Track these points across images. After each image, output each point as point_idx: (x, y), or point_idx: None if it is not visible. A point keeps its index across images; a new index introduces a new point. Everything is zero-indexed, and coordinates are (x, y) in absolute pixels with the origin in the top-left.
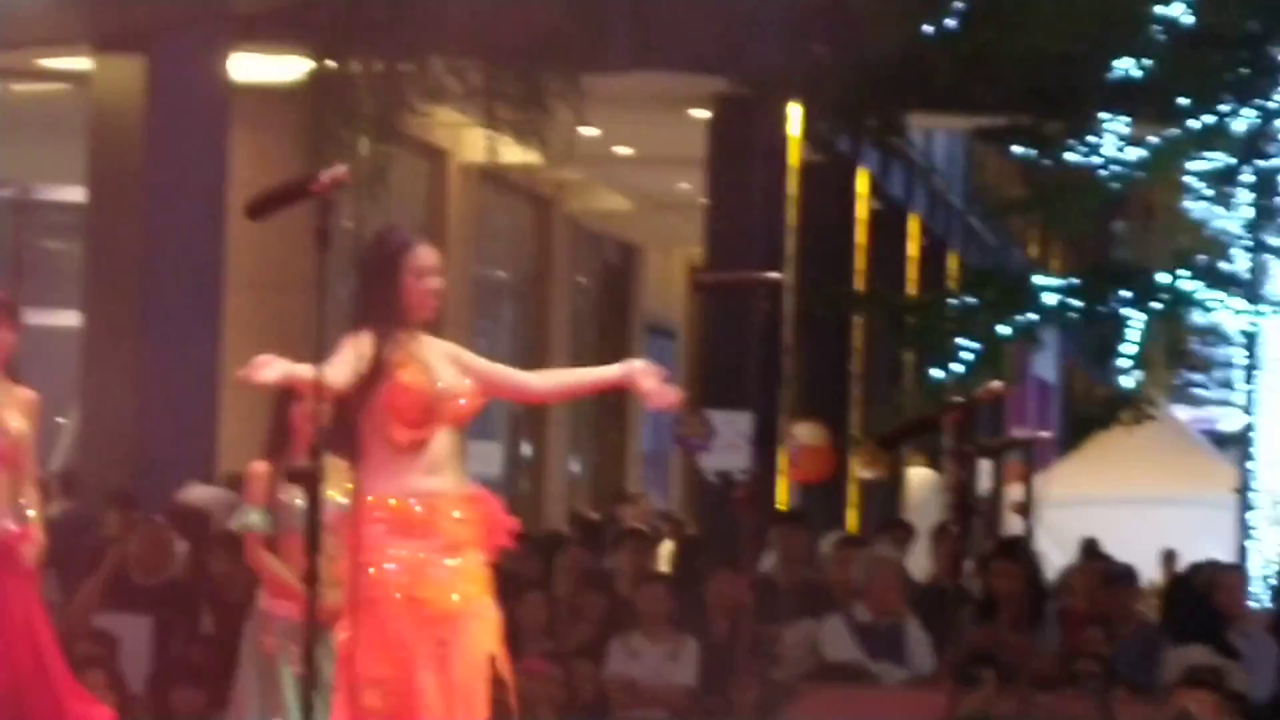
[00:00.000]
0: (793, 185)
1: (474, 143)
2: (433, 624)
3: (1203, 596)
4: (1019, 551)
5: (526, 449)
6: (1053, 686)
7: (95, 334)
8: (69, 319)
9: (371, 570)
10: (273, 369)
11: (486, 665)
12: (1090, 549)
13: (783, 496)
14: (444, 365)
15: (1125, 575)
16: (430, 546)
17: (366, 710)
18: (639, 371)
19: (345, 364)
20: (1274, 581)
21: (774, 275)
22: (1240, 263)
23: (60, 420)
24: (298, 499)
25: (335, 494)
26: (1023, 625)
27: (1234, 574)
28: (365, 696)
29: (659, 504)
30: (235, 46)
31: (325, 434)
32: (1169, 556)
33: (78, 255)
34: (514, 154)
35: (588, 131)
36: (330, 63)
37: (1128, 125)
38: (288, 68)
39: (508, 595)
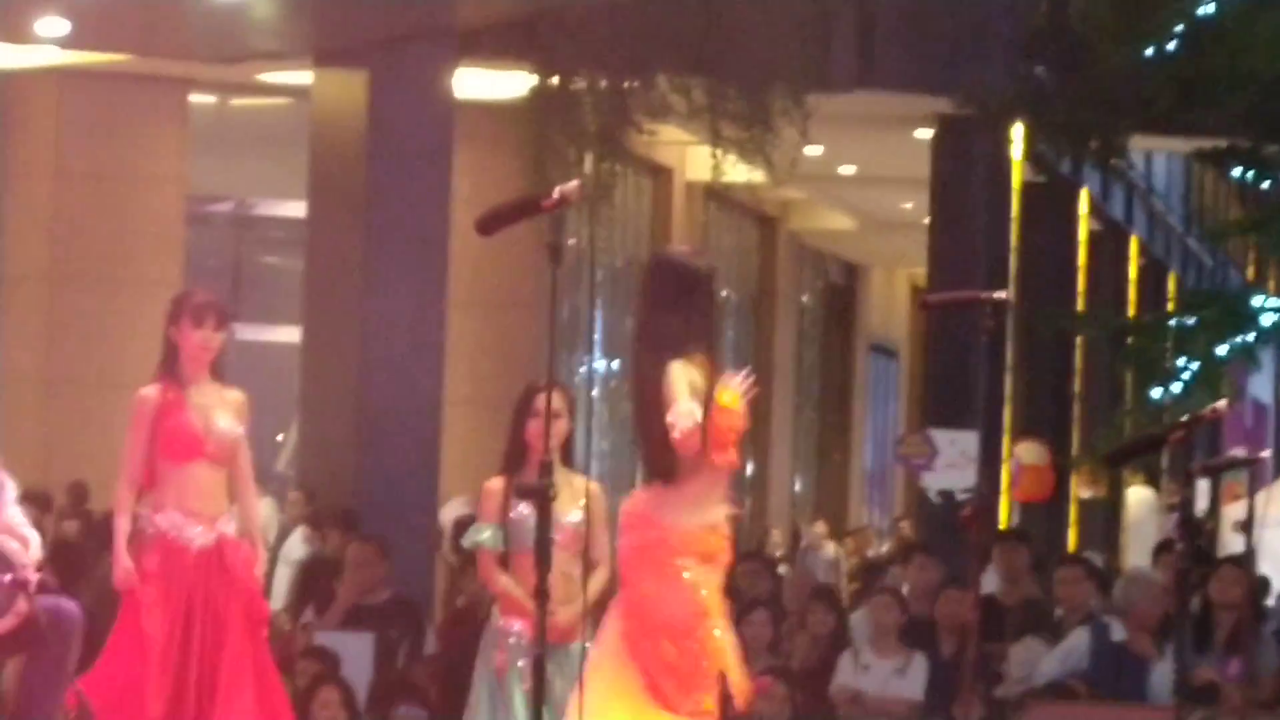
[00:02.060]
0: (1015, 206)
1: (698, 161)
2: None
3: None
4: (1240, 566)
5: (750, 467)
6: (1273, 708)
7: (315, 349)
8: (289, 334)
9: (704, 591)
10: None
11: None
12: None
13: (1005, 516)
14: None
15: None
16: (716, 569)
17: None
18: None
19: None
20: None
21: (1000, 294)
22: None
23: (280, 436)
24: (529, 515)
25: (567, 511)
26: (1240, 644)
27: None
28: (701, 696)
29: (879, 523)
30: (458, 62)
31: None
32: None
33: (298, 270)
34: (738, 173)
35: (812, 150)
36: (554, 79)
37: None
38: (511, 84)
39: (736, 613)
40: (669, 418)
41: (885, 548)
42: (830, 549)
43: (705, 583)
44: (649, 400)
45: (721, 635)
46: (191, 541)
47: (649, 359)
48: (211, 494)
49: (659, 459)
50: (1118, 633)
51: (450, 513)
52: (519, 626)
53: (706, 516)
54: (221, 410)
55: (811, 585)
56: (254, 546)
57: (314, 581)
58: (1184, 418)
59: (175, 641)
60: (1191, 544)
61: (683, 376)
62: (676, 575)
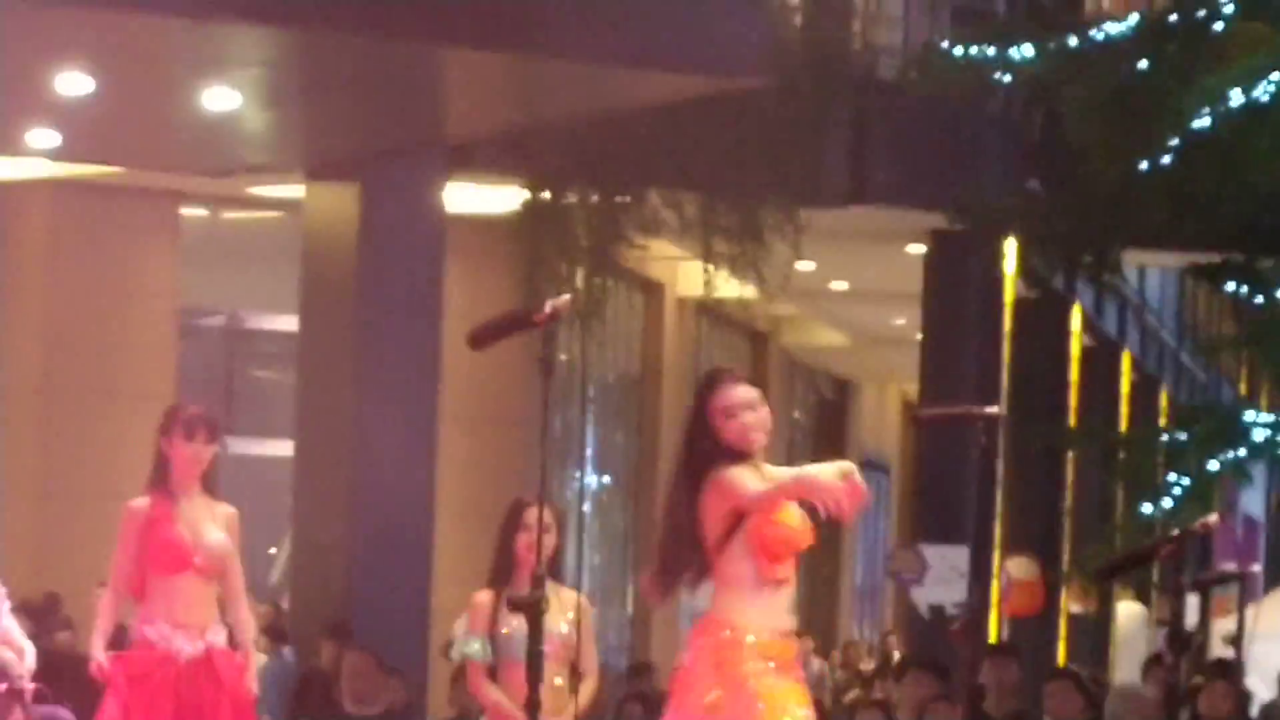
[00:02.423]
0: (1007, 321)
1: (690, 276)
2: None
3: None
4: (1231, 680)
5: None
6: None
7: (307, 464)
8: (281, 448)
9: (761, 705)
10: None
11: None
12: None
13: (994, 631)
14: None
15: None
16: (793, 679)
17: None
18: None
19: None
20: None
21: (993, 410)
22: None
23: (273, 549)
24: (519, 628)
25: (556, 622)
26: None
27: None
28: None
29: (870, 637)
30: (449, 175)
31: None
32: None
33: (289, 384)
34: (730, 288)
35: (804, 266)
36: (545, 193)
37: None
38: (502, 198)
39: None
40: (745, 497)
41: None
42: (815, 665)
43: (769, 694)
44: (678, 519)
45: None
46: (179, 651)
47: (680, 486)
48: (200, 606)
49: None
50: None
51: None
52: None
53: (776, 620)
54: (211, 523)
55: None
56: (247, 657)
57: (308, 693)
58: (1174, 532)
59: None
60: (1180, 658)
61: (731, 471)
62: (742, 681)
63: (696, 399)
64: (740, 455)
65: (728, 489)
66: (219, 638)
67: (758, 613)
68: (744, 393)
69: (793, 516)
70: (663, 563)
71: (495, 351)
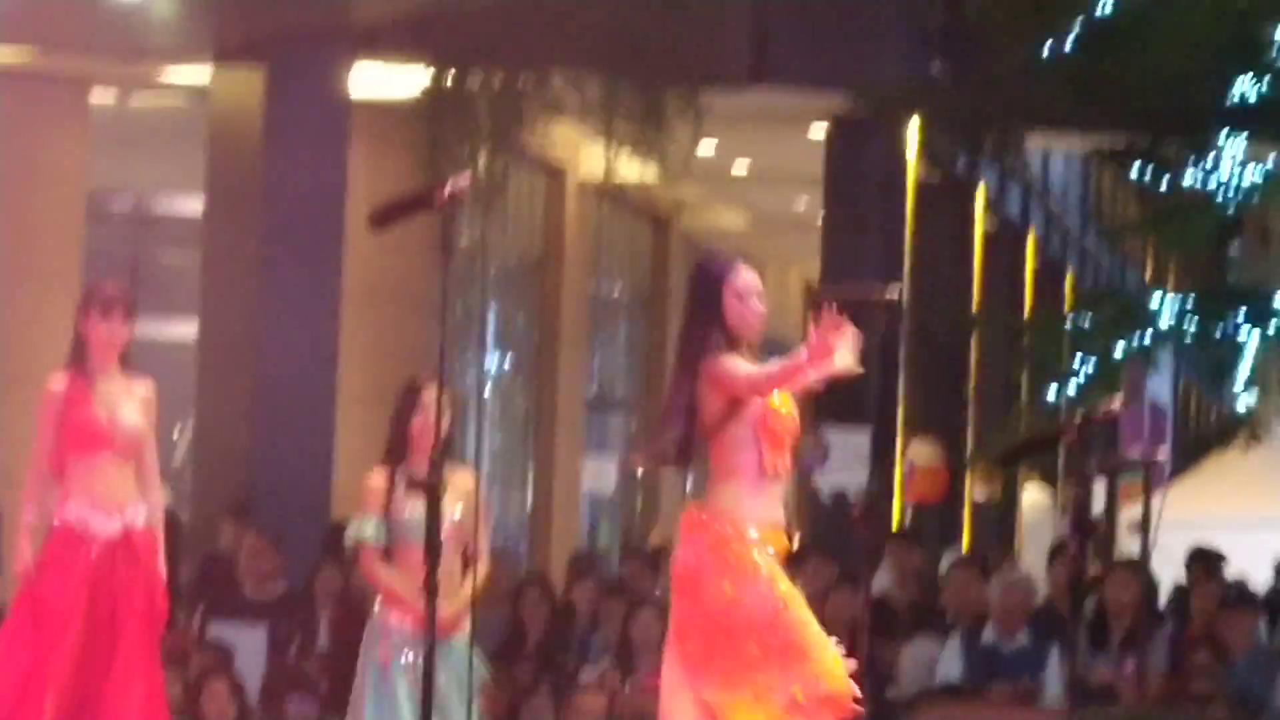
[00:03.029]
0: (909, 204)
1: (592, 159)
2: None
3: None
4: (1135, 567)
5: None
6: (1166, 708)
7: (211, 345)
8: (185, 330)
9: (782, 587)
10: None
11: None
12: (1207, 569)
13: (898, 516)
14: None
15: (1239, 596)
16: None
17: (795, 701)
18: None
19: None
20: None
21: (893, 291)
22: None
23: (176, 431)
24: (415, 511)
25: (451, 506)
26: (1136, 644)
27: None
28: (793, 688)
29: None
30: (355, 58)
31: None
32: None
33: (195, 266)
34: (631, 171)
35: (705, 148)
36: (449, 76)
37: (1246, 147)
38: (407, 81)
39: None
40: (744, 381)
41: None
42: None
43: (780, 575)
44: (679, 402)
45: (810, 633)
46: (98, 534)
47: (682, 362)
48: (119, 486)
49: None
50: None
51: None
52: (401, 620)
53: (773, 512)
54: (128, 402)
55: None
56: (157, 539)
57: (208, 574)
58: (1078, 417)
59: (71, 633)
60: (1084, 545)
61: (728, 358)
62: (755, 570)
63: (711, 274)
64: (735, 342)
65: (725, 377)
66: (138, 517)
67: (756, 504)
68: (756, 280)
69: (790, 405)
70: (655, 436)
71: (398, 233)
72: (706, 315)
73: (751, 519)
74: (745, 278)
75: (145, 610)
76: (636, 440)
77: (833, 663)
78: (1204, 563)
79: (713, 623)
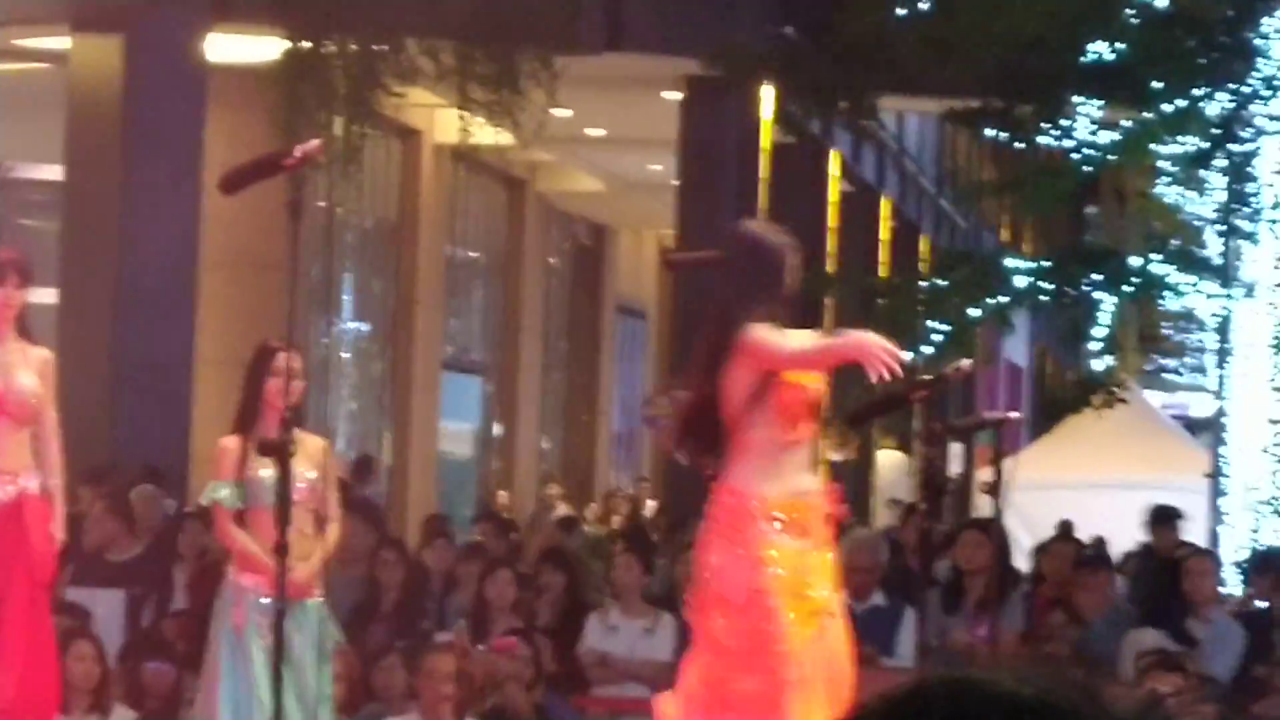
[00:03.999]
0: (764, 167)
1: (447, 124)
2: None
3: (1172, 580)
4: (989, 528)
5: (498, 429)
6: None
7: (71, 312)
8: (45, 296)
9: (770, 569)
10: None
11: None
12: (1063, 531)
13: None
14: None
15: (1095, 558)
16: (809, 544)
17: (741, 695)
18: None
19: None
20: (1244, 566)
21: None
22: (1213, 247)
23: None
24: (267, 473)
25: (304, 469)
26: (990, 606)
27: (1204, 559)
28: (741, 683)
29: (628, 485)
30: (212, 26)
31: (300, 412)
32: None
33: (54, 233)
34: (486, 135)
35: (560, 113)
36: (306, 42)
37: (1100, 109)
38: (264, 48)
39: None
40: (776, 351)
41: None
42: (562, 509)
43: (777, 559)
44: (704, 374)
45: (784, 620)
46: None
47: (714, 331)
48: (12, 451)
49: (727, 431)
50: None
51: None
52: (255, 583)
53: (789, 483)
54: (24, 369)
55: (541, 546)
56: (51, 506)
57: (69, 538)
58: (926, 377)
59: None
60: (935, 506)
61: (762, 327)
62: (743, 547)
63: (774, 250)
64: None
65: (762, 351)
66: (32, 483)
67: (769, 478)
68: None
69: (809, 375)
70: (686, 429)
71: (254, 197)
72: (764, 287)
73: (759, 494)
74: (796, 254)
75: (34, 575)
76: (660, 429)
77: (795, 660)
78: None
79: (703, 593)
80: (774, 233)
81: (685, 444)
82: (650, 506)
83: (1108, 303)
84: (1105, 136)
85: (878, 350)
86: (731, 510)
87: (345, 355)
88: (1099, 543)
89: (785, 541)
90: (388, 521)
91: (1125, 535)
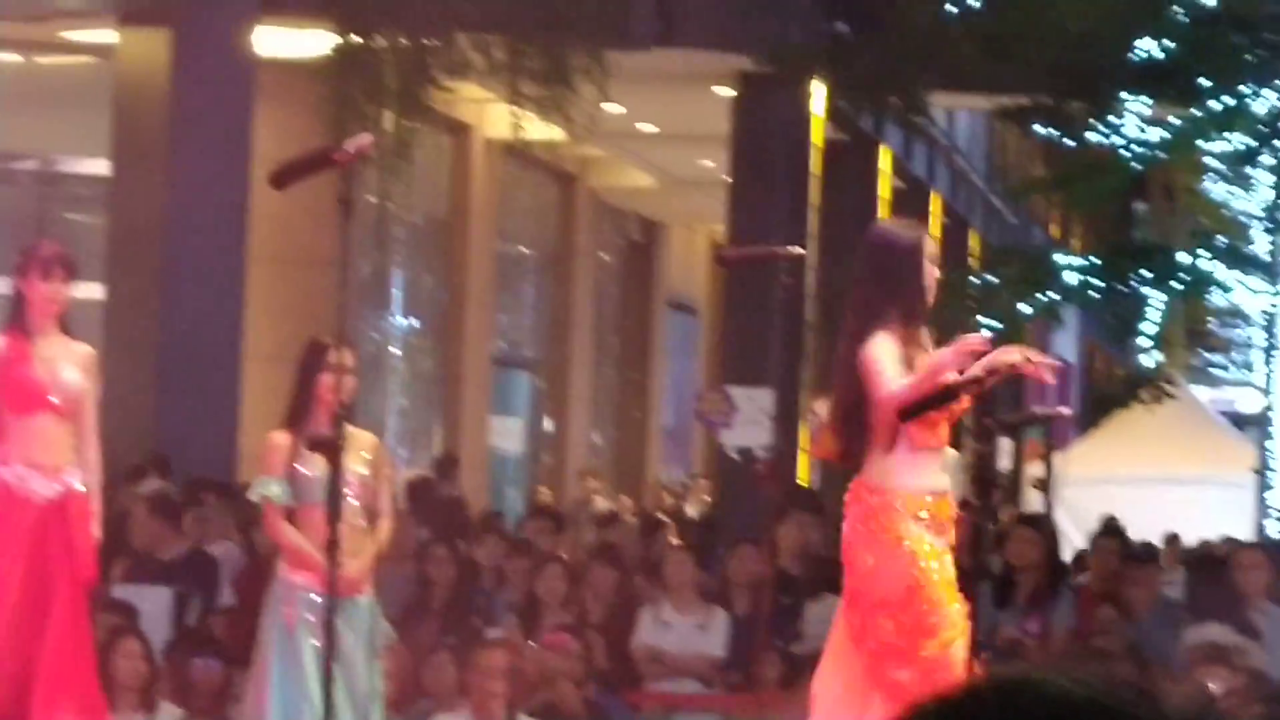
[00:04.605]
0: (816, 163)
1: (498, 118)
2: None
3: (1222, 575)
4: (1039, 524)
5: (549, 424)
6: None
7: (117, 307)
8: (92, 291)
9: (923, 563)
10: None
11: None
12: (1109, 526)
13: (804, 473)
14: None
15: (1144, 553)
16: (946, 542)
17: (901, 685)
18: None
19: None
20: None
21: (797, 250)
22: (1260, 244)
23: None
24: (317, 470)
25: (355, 465)
26: (1041, 601)
27: (1255, 552)
28: (901, 673)
29: (680, 479)
30: (260, 19)
31: (351, 409)
32: (1172, 539)
33: (101, 228)
34: (538, 130)
35: (611, 108)
36: (355, 37)
37: (1149, 106)
38: (313, 42)
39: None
40: (880, 388)
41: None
42: (601, 504)
43: (929, 553)
44: (848, 370)
45: (942, 614)
46: (35, 493)
47: (852, 330)
48: (57, 446)
49: (872, 428)
50: None
51: None
52: (305, 580)
53: (929, 481)
54: (68, 363)
55: (584, 543)
56: (91, 502)
57: (111, 535)
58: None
59: (7, 594)
60: (987, 502)
61: (885, 346)
62: (896, 544)
63: (905, 238)
64: (915, 315)
65: (870, 372)
66: (75, 479)
67: (910, 476)
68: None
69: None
70: (838, 430)
71: (304, 193)
72: (897, 287)
73: (903, 490)
74: (931, 245)
75: (76, 573)
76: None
77: (955, 647)
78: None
79: (861, 594)
80: (907, 229)
81: (838, 444)
82: (702, 501)
83: (1156, 299)
84: (1154, 134)
85: (975, 347)
86: (877, 509)
87: (396, 351)
88: (1147, 541)
89: (930, 538)
90: (469, 520)
91: (1173, 529)
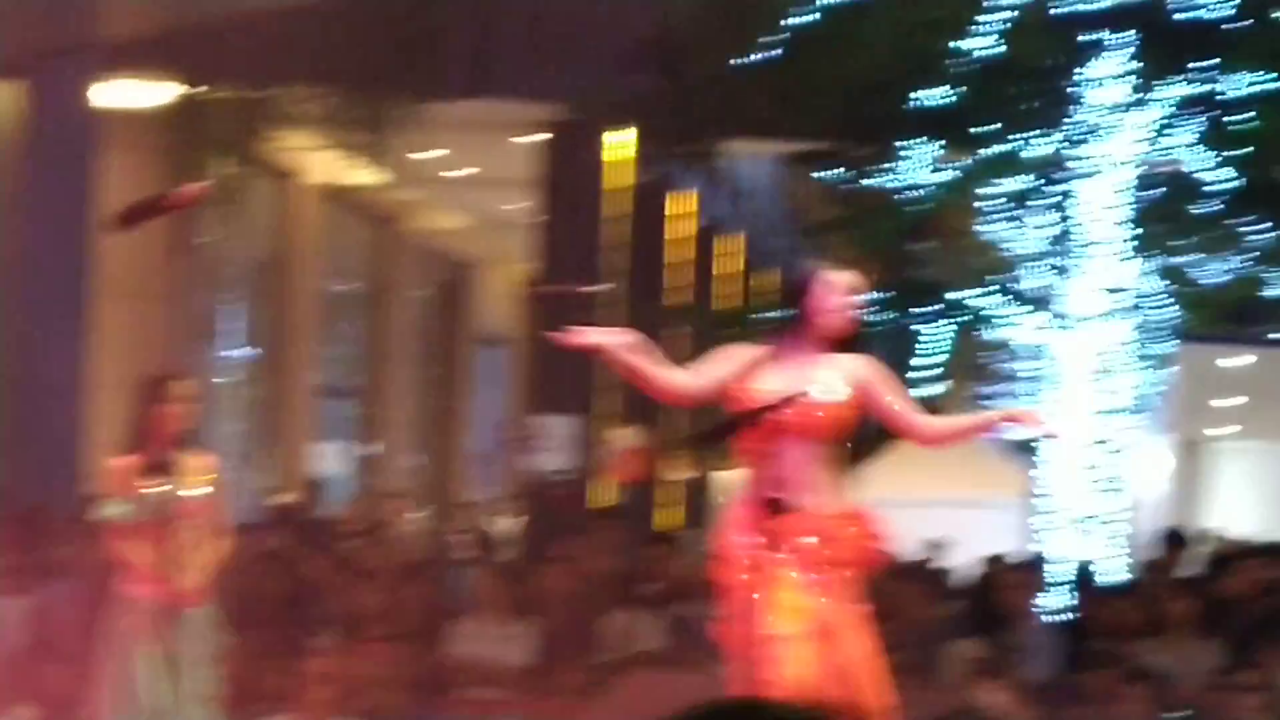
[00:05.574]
0: (620, 205)
1: (322, 165)
2: None
3: (990, 593)
4: None
5: (368, 449)
6: None
7: None
8: None
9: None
10: (590, 335)
11: None
12: None
13: (603, 495)
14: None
15: (912, 569)
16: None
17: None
18: (1017, 413)
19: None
20: (1057, 581)
21: (599, 287)
22: (1034, 281)
23: None
24: (157, 491)
25: (193, 485)
26: None
27: (1022, 573)
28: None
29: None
30: (109, 73)
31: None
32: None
33: None
34: (359, 176)
35: (427, 154)
36: (194, 90)
37: (930, 151)
38: (156, 94)
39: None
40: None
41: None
42: (414, 522)
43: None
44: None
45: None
46: None
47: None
48: None
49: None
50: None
51: None
52: (146, 593)
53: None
54: None
55: (400, 559)
56: None
57: None
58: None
59: None
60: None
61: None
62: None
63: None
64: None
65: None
66: None
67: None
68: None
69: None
70: None
71: (148, 234)
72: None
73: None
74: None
75: None
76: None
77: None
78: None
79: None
80: (820, 271)
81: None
82: (509, 521)
83: (936, 334)
84: (935, 177)
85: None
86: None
87: (230, 380)
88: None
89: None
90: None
91: (948, 550)
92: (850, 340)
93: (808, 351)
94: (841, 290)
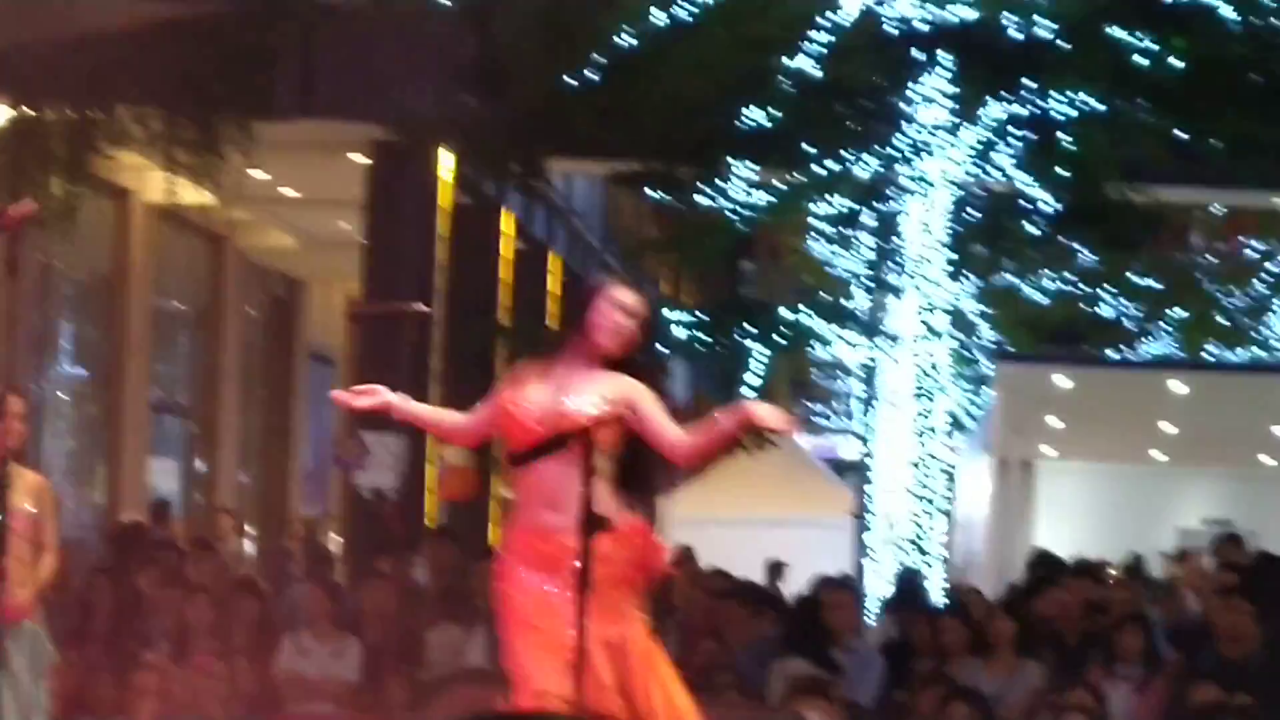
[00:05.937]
0: (444, 225)
1: (155, 184)
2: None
3: (817, 612)
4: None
5: (200, 465)
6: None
7: None
8: None
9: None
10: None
11: None
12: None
13: (432, 512)
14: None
15: (741, 590)
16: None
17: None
18: (751, 407)
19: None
20: (887, 599)
21: (421, 307)
22: (860, 300)
23: None
24: None
25: (23, 502)
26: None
27: (846, 593)
28: None
29: (317, 515)
30: None
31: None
32: (774, 568)
33: None
34: (191, 195)
35: (257, 174)
36: (27, 109)
37: (756, 171)
38: None
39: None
40: None
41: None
42: (244, 538)
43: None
44: None
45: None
46: None
47: None
48: None
49: None
50: None
51: None
52: None
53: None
54: None
55: (232, 576)
56: None
57: None
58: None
59: None
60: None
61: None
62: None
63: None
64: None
65: None
66: None
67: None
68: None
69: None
70: None
71: None
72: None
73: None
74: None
75: None
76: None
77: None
78: (689, 556)
79: None
80: (610, 289)
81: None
82: (337, 537)
83: (761, 352)
84: (760, 197)
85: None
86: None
87: (63, 397)
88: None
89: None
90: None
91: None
92: (634, 359)
93: (580, 366)
94: (620, 307)
